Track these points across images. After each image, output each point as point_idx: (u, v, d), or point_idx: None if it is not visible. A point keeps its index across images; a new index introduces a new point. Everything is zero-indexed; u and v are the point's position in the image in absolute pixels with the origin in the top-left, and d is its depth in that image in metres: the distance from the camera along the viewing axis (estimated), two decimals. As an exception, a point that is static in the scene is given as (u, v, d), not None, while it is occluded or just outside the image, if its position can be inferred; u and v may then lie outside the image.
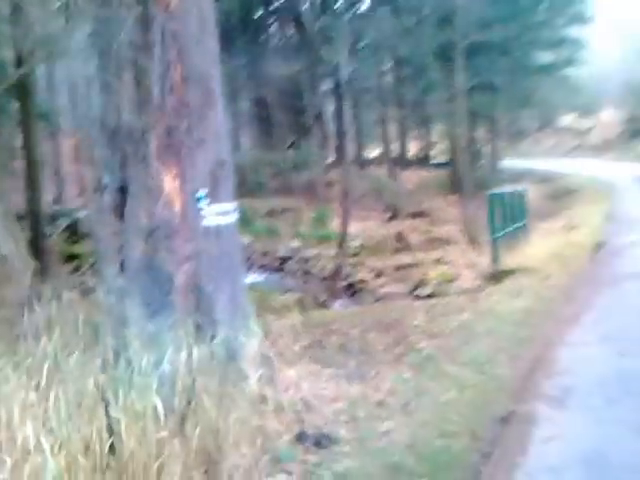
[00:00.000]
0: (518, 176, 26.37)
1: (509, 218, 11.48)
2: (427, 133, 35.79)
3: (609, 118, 44.30)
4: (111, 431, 3.29)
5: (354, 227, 17.04)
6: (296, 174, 25.49)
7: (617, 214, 16.39)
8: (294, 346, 5.75)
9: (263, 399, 4.56)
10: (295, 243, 19.61)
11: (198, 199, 4.97)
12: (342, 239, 15.60)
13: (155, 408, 3.58)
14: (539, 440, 4.04)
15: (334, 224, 16.52)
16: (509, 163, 31.72)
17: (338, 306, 12.80)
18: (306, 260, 18.75)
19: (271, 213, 21.06)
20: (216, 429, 3.84)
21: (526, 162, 34.18)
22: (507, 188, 12.78)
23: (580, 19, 24.71)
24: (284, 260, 18.79)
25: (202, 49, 4.91)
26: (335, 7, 20.94)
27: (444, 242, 20.01)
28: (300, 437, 4.28)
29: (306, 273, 17.90)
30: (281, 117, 27.80)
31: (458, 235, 19.80)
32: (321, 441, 4.25)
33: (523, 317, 7.00)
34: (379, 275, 17.43)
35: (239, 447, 3.85)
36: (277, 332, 5.76)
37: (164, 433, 3.51)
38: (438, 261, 17.15)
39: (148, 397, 3.62)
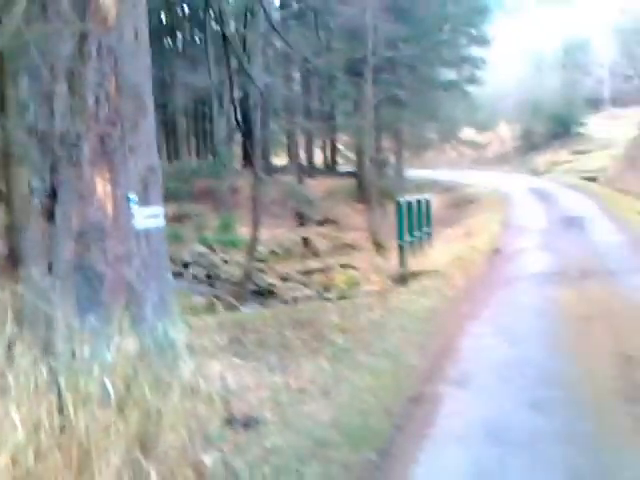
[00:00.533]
0: (422, 186, 27.60)
1: (415, 224, 12.23)
2: (334, 142, 36.71)
3: (506, 133, 46.93)
4: (62, 412, 3.57)
5: (263, 233, 17.43)
6: (202, 181, 25.63)
7: (511, 222, 17.65)
8: (215, 342, 6.12)
9: (193, 388, 4.91)
10: (201, 248, 19.75)
11: (129, 202, 5.25)
12: (251, 245, 15.96)
13: (99, 393, 3.88)
14: (444, 415, 4.62)
15: (241, 230, 16.81)
16: (413, 173, 33.07)
17: (248, 310, 13.09)
18: (213, 265, 18.94)
19: (176, 218, 21.01)
20: (153, 413, 4.17)
21: (429, 173, 35.75)
22: (413, 196, 13.54)
23: (480, 40, 26.30)
24: (188, 265, 18.72)
25: (136, 62, 5.22)
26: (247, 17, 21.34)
27: (351, 248, 20.78)
28: (229, 421, 4.66)
29: (213, 278, 18.09)
30: (189, 125, 27.86)
31: (365, 241, 20.63)
32: (249, 423, 4.65)
33: (429, 314, 7.68)
34: (288, 280, 17.89)
35: (175, 429, 4.19)
36: (197, 330, 6.13)
37: (108, 416, 3.81)
38: (346, 266, 17.84)
39: (92, 383, 3.91)
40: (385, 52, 20.60)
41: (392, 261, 12.83)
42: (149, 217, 5.41)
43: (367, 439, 4.25)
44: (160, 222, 5.57)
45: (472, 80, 28.00)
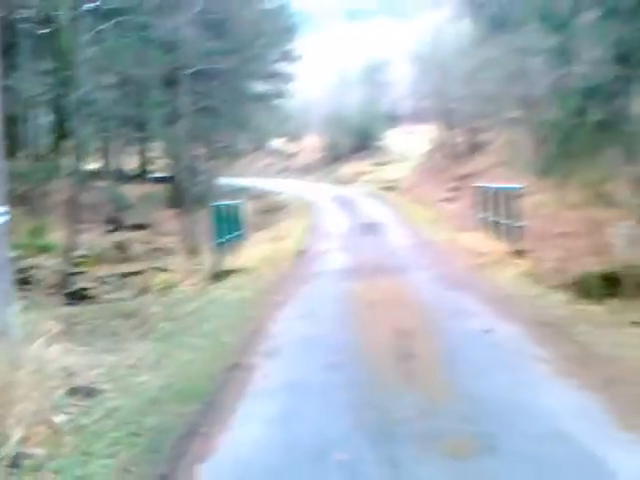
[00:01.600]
0: (234, 192, 28.71)
1: (230, 227, 13.29)
2: (148, 148, 36.71)
3: (313, 144, 49.65)
4: None
5: (77, 238, 17.44)
6: (14, 183, 24.61)
7: (316, 227, 19.39)
8: (49, 331, 6.72)
9: (39, 367, 5.56)
10: (11, 253, 19.16)
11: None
12: (67, 249, 16.03)
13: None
14: (257, 378, 5.72)
15: (54, 235, 16.74)
16: (226, 181, 34.16)
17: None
18: (24, 270, 18.52)
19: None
20: (6, 385, 4.83)
21: (241, 180, 37.08)
22: (227, 201, 14.60)
23: (289, 56, 28.10)
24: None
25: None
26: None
27: (167, 252, 21.28)
28: (73, 391, 5.40)
29: (26, 282, 17.76)
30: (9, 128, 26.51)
31: (180, 245, 21.26)
32: (91, 393, 5.42)
33: (243, 304, 8.80)
34: (105, 283, 18.07)
35: (27, 398, 4.87)
36: (30, 321, 6.71)
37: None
38: (162, 269, 18.41)
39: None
40: (201, 64, 21.49)
41: (208, 262, 13.75)
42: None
43: (194, 397, 5.22)
44: (2, 220, 6.10)
45: (281, 94, 29.81)
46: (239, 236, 14.24)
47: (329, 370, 5.77)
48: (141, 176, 35.19)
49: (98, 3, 21.06)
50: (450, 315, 7.63)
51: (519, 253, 11.51)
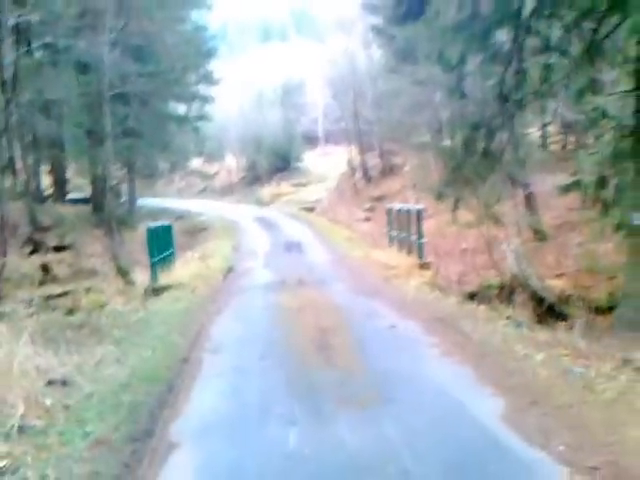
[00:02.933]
0: (156, 214, 29.75)
1: (161, 247, 14.56)
2: (65, 169, 37.07)
3: (233, 165, 51.00)
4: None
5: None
6: None
7: (241, 247, 20.82)
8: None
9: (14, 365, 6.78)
10: None
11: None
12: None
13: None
14: (205, 366, 7.15)
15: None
16: (146, 202, 35.08)
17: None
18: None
19: None
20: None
21: (161, 201, 38.05)
22: (159, 223, 15.83)
23: (209, 79, 29.53)
24: None
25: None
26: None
27: (92, 273, 22.13)
28: (50, 382, 6.65)
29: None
30: None
31: (106, 266, 22.15)
32: (66, 383, 6.69)
33: (183, 313, 10.19)
34: (28, 306, 18.75)
35: (18, 385, 6.13)
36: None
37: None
38: (89, 290, 19.31)
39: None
40: (121, 86, 22.62)
41: (140, 281, 14.90)
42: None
43: (157, 380, 6.61)
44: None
45: (201, 116, 31.18)
46: (170, 255, 15.49)
47: (264, 359, 7.28)
48: (59, 197, 35.52)
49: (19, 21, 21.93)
50: (362, 316, 9.29)
51: (424, 266, 13.38)
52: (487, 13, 11.26)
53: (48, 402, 6.10)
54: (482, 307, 9.67)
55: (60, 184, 38.01)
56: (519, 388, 5.73)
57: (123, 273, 20.14)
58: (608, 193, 11.99)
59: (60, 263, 23.45)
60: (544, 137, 23.37)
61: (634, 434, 4.64)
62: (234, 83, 47.72)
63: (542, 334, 7.92)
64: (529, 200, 17.05)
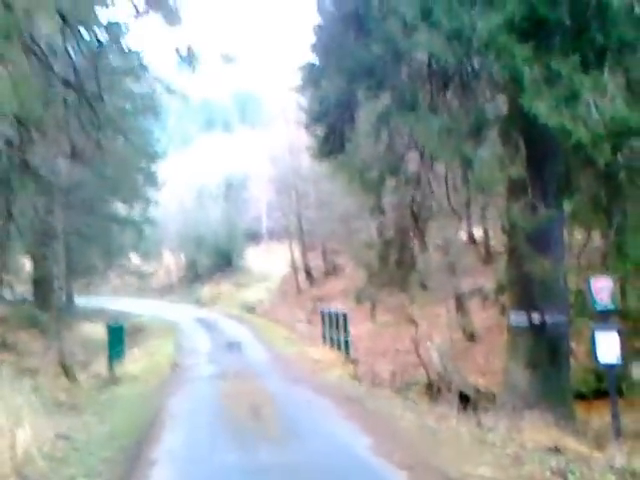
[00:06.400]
0: (92, 313, 33.08)
1: (113, 344, 18.24)
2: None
3: (171, 263, 54.49)
4: None
5: None
6: None
7: (183, 346, 24.55)
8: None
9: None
10: None
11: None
12: None
13: None
14: (168, 425, 10.83)
15: None
16: (81, 300, 38.31)
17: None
18: None
19: None
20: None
21: (96, 300, 41.24)
22: (112, 322, 19.51)
23: (153, 181, 33.72)
24: None
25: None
26: None
27: (35, 372, 25.23)
28: (58, 436, 10.25)
29: None
30: None
31: (49, 365, 25.33)
32: (68, 437, 10.29)
33: (143, 396, 13.89)
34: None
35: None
36: None
37: None
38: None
39: None
40: (73, 192, 26.65)
41: (82, 379, 18.23)
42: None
43: (133, 432, 10.27)
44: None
45: (146, 219, 35.19)
46: (121, 351, 19.15)
47: (211, 422, 11.04)
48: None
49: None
50: (287, 397, 13.21)
51: (348, 361, 17.39)
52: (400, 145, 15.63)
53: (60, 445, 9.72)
54: (387, 391, 13.65)
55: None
56: (386, 433, 9.65)
57: (66, 371, 23.43)
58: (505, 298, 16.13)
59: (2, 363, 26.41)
60: (473, 242, 28.12)
61: (445, 452, 8.59)
62: (174, 178, 51.04)
63: (424, 406, 11.93)
64: (460, 303, 21.20)
